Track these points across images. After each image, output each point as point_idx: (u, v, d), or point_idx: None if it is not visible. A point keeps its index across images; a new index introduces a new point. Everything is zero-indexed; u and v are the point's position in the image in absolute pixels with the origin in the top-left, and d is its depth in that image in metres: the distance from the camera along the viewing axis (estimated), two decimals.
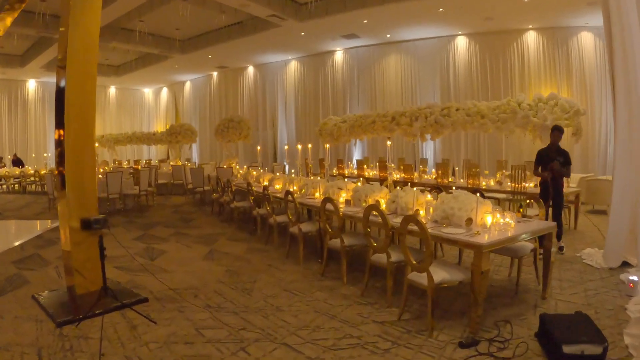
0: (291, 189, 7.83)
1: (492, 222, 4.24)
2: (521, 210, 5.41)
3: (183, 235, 8.89)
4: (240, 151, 20.81)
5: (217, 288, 5.51)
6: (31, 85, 23.77)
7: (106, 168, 14.12)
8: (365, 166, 12.35)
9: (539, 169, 6.77)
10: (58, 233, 5.41)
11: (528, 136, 9.10)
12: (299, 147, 8.77)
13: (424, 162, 13.39)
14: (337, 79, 18.23)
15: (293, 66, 19.73)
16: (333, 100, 18.31)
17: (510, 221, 4.34)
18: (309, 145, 8.37)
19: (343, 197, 6.41)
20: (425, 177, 10.56)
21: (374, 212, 4.69)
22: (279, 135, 20.14)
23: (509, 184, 8.65)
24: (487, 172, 9.11)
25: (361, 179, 7.10)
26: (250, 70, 21.42)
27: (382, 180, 10.64)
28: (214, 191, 10.71)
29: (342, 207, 6.02)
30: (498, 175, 9.19)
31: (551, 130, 6.77)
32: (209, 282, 5.74)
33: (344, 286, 5.41)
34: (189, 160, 21.12)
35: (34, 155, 23.07)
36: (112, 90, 26.69)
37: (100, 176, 12.15)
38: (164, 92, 26.97)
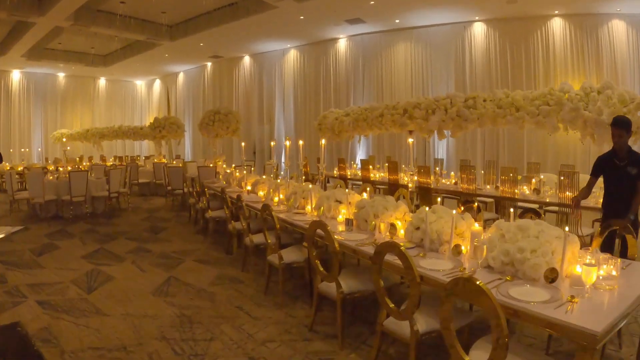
0: (276, 198, 6.10)
1: (590, 279, 2.46)
2: (599, 239, 3.66)
3: (144, 252, 7.17)
4: (235, 148, 19.10)
5: (154, 350, 3.77)
6: (15, 76, 22.25)
7: (68, 167, 12.33)
8: (371, 167, 10.60)
9: (592, 183, 4.84)
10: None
11: (574, 134, 7.33)
12: (287, 143, 7.05)
13: (439, 163, 11.66)
14: (340, 70, 16.46)
15: (292, 55, 17.97)
16: (335, 93, 16.53)
17: (613, 272, 2.60)
18: (300, 142, 6.44)
19: (343, 214, 4.69)
20: (443, 181, 8.83)
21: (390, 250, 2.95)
22: (276, 130, 18.42)
23: (547, 192, 6.93)
24: (519, 177, 7.41)
25: (368, 189, 5.26)
26: (247, 60, 19.68)
27: (392, 185, 8.91)
28: (191, 195, 8.93)
29: (340, 229, 4.30)
30: (534, 182, 7.44)
31: (614, 125, 4.57)
32: (146, 339, 3.99)
33: (342, 353, 3.68)
34: (178, 157, 19.43)
35: (22, 150, 21.45)
36: (102, 82, 25.02)
37: (56, 176, 10.47)
38: (157, 84, 25.29)
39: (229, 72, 20.40)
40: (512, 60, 13.26)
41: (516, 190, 6.92)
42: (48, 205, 10.51)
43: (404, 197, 5.94)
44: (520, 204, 6.77)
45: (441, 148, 14.28)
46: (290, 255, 4.77)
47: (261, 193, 6.80)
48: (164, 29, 16.09)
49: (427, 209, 3.51)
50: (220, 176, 9.17)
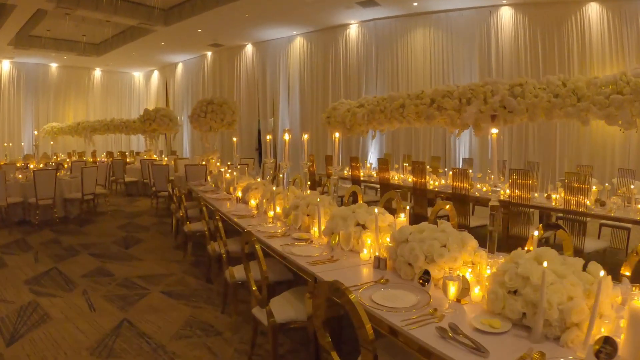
0: (271, 212, 4.55)
1: None
2: None
3: (103, 277, 5.63)
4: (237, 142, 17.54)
5: None
6: (5, 66, 20.82)
7: (41, 164, 10.78)
8: (388, 167, 8.97)
9: None
10: None
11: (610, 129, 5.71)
12: (286, 137, 5.44)
13: (466, 163, 10.08)
14: (351, 59, 14.86)
15: (298, 43, 16.38)
16: (346, 84, 14.94)
17: None
18: (305, 136, 4.84)
19: (368, 247, 3.07)
20: (478, 186, 7.21)
21: None
22: (280, 124, 16.85)
23: (613, 203, 5.37)
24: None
25: (406, 208, 3.52)
26: (249, 49, 18.10)
27: (417, 191, 7.33)
28: (171, 199, 7.34)
29: (365, 273, 2.75)
30: (595, 191, 5.84)
31: None
32: None
33: None
34: (174, 154, 17.93)
35: (5, 144, 20.01)
36: (97, 73, 23.56)
37: (20, 176, 8.97)
38: (155, 76, 23.78)
39: (230, 62, 18.84)
40: (543, 49, 11.69)
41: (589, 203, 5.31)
42: (14, 209, 9.04)
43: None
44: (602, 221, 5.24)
45: (463, 144, 12.70)
46: (286, 310, 3.10)
47: (253, 201, 5.25)
48: (157, 12, 14.55)
49: (522, 253, 1.96)
50: (209, 177, 7.62)
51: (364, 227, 3.24)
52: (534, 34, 11.78)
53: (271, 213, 4.52)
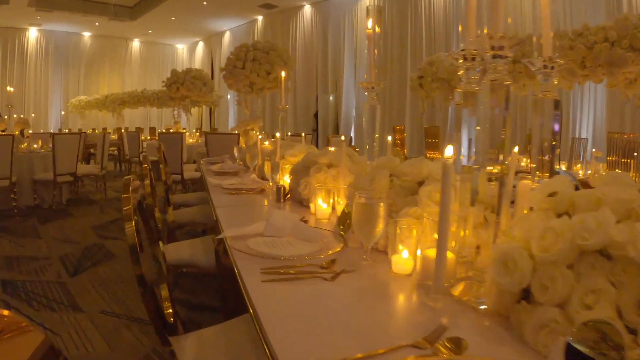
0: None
1: None
2: None
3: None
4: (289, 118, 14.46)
5: None
6: (32, 34, 18.55)
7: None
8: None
9: None
10: None
11: None
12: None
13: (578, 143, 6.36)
14: (437, 17, 11.40)
15: (368, 1, 13.03)
16: (429, 51, 11.44)
17: None
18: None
19: None
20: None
21: None
22: (343, 100, 13.55)
23: None
24: None
25: None
26: (307, 10, 14.88)
27: None
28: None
29: None
30: None
31: None
32: None
33: None
34: (214, 130, 14.87)
35: (33, 115, 17.62)
36: (135, 44, 21.03)
37: None
38: (200, 48, 20.98)
39: (285, 28, 15.68)
40: None
41: None
42: None
43: None
44: None
45: (586, 120, 8.92)
46: None
47: (322, 204, 1.91)
48: None
49: None
50: (235, 149, 4.33)
51: None
52: None
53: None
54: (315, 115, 14.36)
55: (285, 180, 2.65)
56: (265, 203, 2.37)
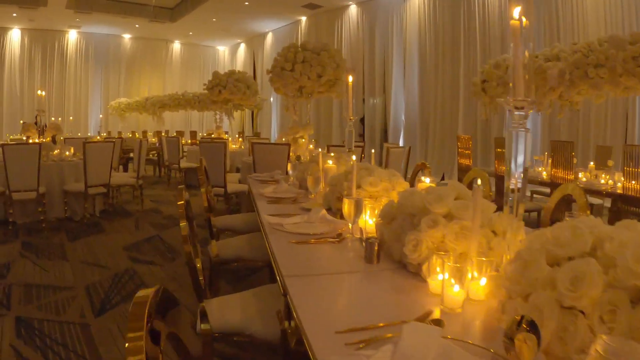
0: None
1: None
2: None
3: None
4: (336, 127, 13.84)
5: None
6: (72, 36, 18.49)
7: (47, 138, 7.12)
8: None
9: None
10: None
11: None
12: None
13: None
14: (491, 16, 10.48)
15: (417, 1, 12.23)
16: (484, 51, 10.51)
17: None
18: None
19: None
20: None
21: None
22: (392, 103, 12.80)
23: None
24: None
25: None
26: (353, 10, 14.19)
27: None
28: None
29: None
30: None
31: None
32: None
33: None
34: (257, 135, 14.32)
35: (71, 118, 17.47)
36: (176, 46, 20.76)
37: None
38: (242, 50, 20.55)
39: (329, 29, 15.03)
40: None
41: None
42: None
43: None
44: None
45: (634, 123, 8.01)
46: None
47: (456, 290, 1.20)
48: None
49: None
50: (289, 166, 3.65)
51: None
52: None
53: None
54: (362, 120, 13.63)
55: (366, 220, 1.97)
56: (348, 259, 1.67)
